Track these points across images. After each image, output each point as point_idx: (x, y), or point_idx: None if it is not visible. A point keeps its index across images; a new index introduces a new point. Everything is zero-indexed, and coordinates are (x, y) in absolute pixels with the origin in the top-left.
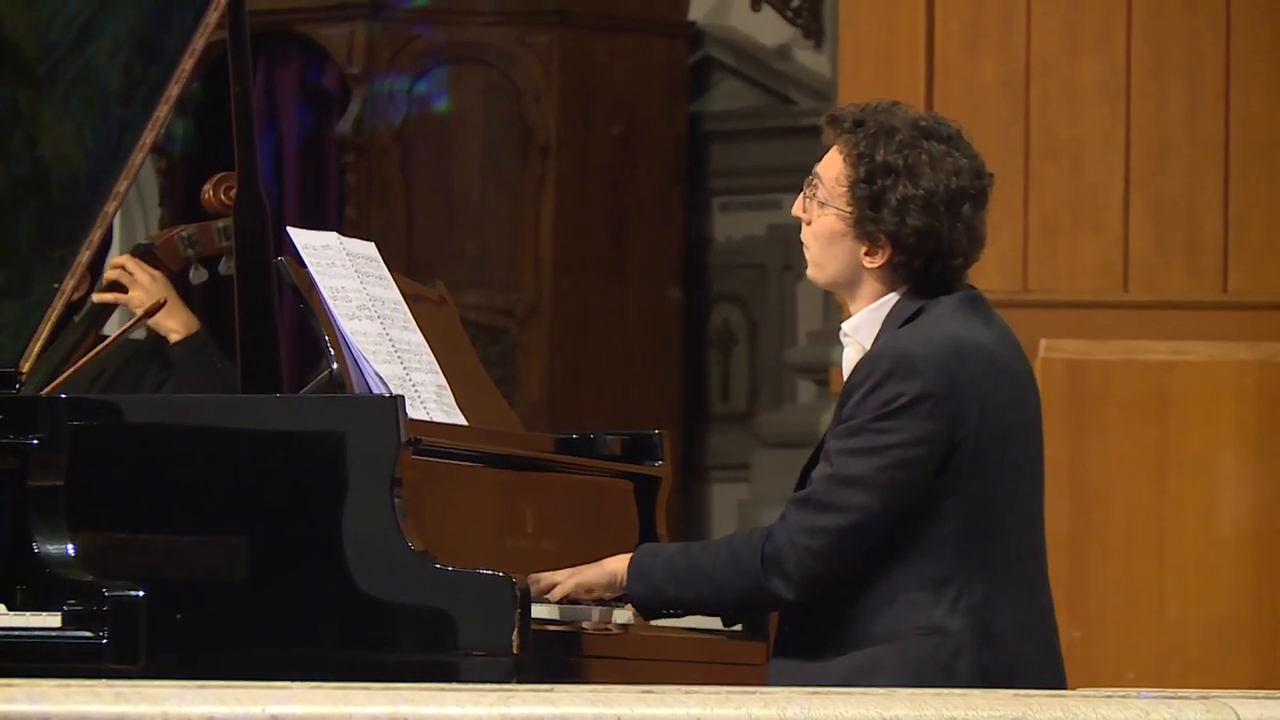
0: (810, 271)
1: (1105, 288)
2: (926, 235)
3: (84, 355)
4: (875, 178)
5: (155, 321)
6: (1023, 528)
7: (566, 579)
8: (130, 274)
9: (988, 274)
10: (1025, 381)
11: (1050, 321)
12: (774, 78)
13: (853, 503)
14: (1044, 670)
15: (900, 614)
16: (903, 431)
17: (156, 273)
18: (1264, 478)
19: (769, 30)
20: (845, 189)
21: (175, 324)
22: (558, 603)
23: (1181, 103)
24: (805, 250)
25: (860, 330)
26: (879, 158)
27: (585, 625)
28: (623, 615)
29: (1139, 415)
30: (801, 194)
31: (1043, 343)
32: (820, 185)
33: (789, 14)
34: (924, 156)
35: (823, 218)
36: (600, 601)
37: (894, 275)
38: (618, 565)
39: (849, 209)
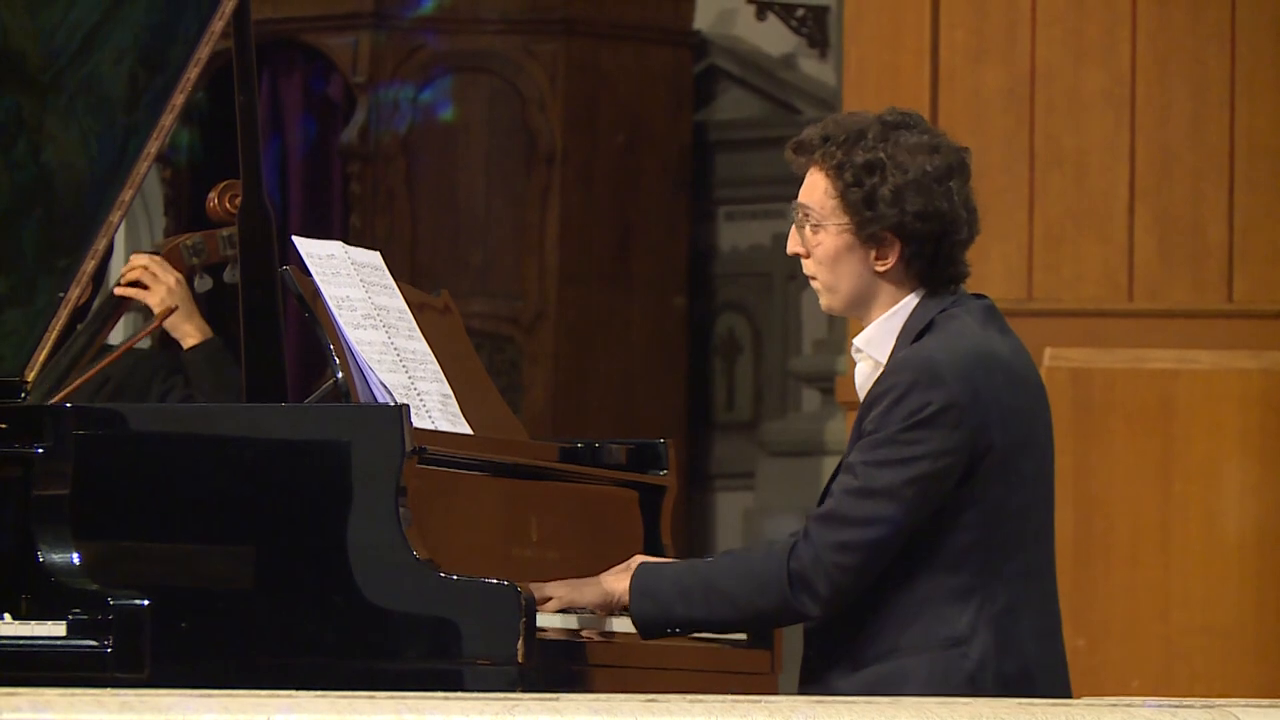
0: (825, 300)
1: (1110, 296)
2: (929, 216)
3: (91, 362)
4: (862, 179)
5: (171, 325)
6: (1039, 537)
7: (561, 593)
8: (154, 274)
9: (992, 282)
10: (1039, 393)
11: (1055, 330)
12: (779, 87)
13: (880, 515)
14: (1056, 678)
15: (925, 627)
16: (930, 442)
17: (179, 275)
18: (1268, 486)
19: (774, 39)
20: (836, 200)
21: (191, 328)
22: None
23: (1186, 112)
24: (814, 282)
25: (873, 344)
26: (859, 159)
27: (590, 634)
28: (628, 623)
29: (1143, 424)
30: (793, 230)
31: (1047, 351)
32: (810, 211)
33: (794, 23)
34: (900, 145)
35: (823, 239)
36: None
37: (907, 273)
38: (615, 584)
39: (847, 219)
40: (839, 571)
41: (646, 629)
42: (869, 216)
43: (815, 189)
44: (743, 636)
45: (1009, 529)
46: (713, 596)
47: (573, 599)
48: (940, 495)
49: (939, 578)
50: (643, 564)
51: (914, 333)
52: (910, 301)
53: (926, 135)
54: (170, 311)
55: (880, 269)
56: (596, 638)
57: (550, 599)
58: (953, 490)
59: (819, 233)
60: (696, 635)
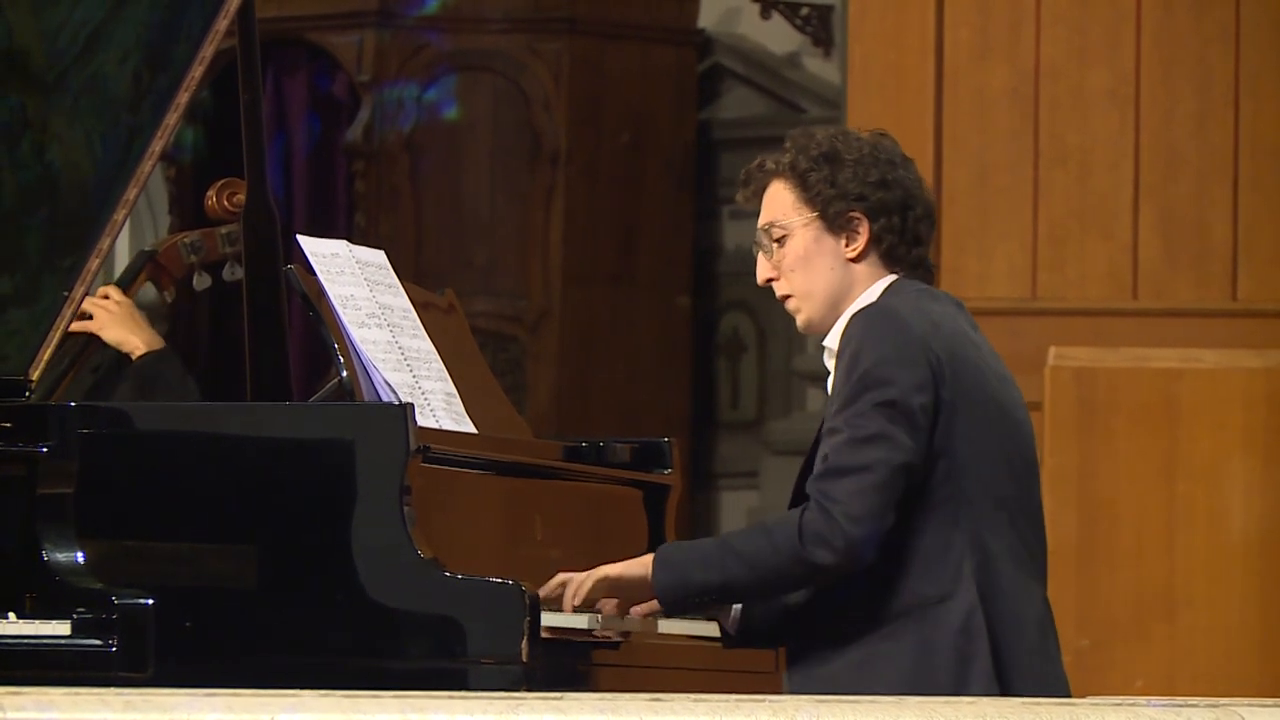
0: (804, 314)
1: (1114, 295)
2: (890, 184)
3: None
4: (820, 165)
5: (119, 340)
6: (1018, 508)
7: (593, 580)
8: (92, 303)
9: (996, 281)
10: (1008, 381)
11: (1059, 329)
12: (783, 86)
13: (876, 458)
14: (1042, 640)
15: (912, 589)
16: (900, 379)
17: (120, 296)
18: (1272, 485)
19: (778, 38)
20: (797, 193)
21: (139, 341)
22: (579, 608)
23: (1190, 110)
24: (789, 302)
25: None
26: (813, 153)
27: (594, 632)
28: (631, 624)
29: (1148, 423)
30: (760, 259)
31: (1052, 350)
32: (773, 223)
33: (798, 22)
34: (849, 138)
35: (791, 244)
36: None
37: (878, 252)
38: (645, 556)
39: (811, 209)
40: (849, 521)
41: (667, 599)
42: (832, 195)
43: (774, 199)
44: None
45: (981, 485)
46: (729, 559)
47: (619, 574)
48: (926, 432)
49: (919, 540)
50: (668, 542)
51: None
52: (877, 289)
53: (868, 135)
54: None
55: (851, 254)
56: (600, 637)
57: (599, 581)
58: (932, 434)
59: (786, 240)
60: (699, 634)
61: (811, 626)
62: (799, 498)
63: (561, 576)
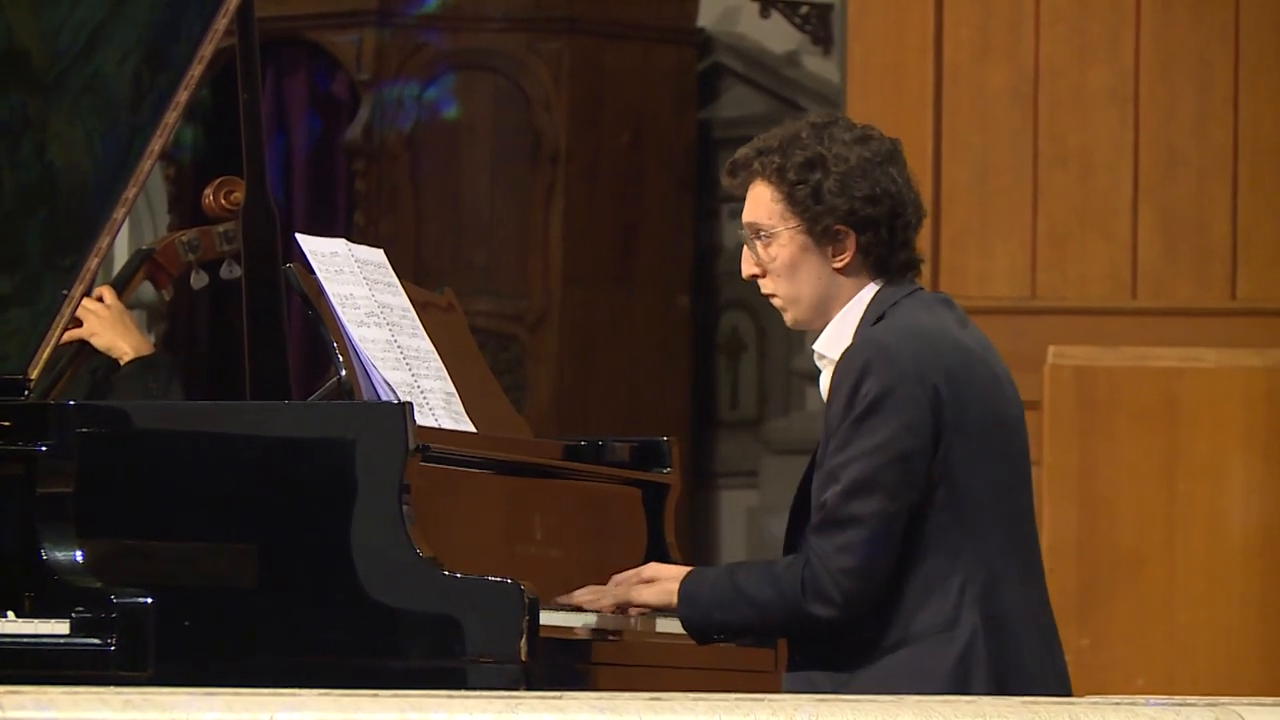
0: (790, 314)
1: (1114, 295)
2: (878, 198)
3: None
4: (806, 176)
5: (108, 346)
6: (1015, 517)
7: (623, 590)
8: (84, 308)
9: (997, 280)
10: (1002, 378)
11: (1059, 328)
12: (783, 84)
13: (870, 509)
14: (1046, 653)
15: (912, 619)
16: (893, 423)
17: (112, 302)
18: (1272, 484)
19: (778, 37)
20: (784, 204)
21: (127, 346)
22: (602, 608)
23: (1190, 110)
24: (774, 300)
25: (832, 344)
26: (798, 159)
27: (593, 632)
28: (627, 623)
29: (1148, 422)
30: (745, 253)
31: (1051, 350)
32: (759, 225)
33: (798, 21)
34: (835, 139)
35: (777, 250)
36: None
37: (865, 264)
38: (672, 585)
39: (798, 220)
40: (844, 575)
41: (694, 634)
42: (819, 210)
43: (760, 201)
44: None
45: (981, 509)
46: (741, 603)
47: (629, 598)
48: (922, 473)
49: (919, 568)
50: (691, 570)
51: (870, 322)
52: (866, 294)
53: (858, 128)
54: (78, 335)
55: (838, 264)
56: (598, 636)
57: (599, 599)
58: (928, 470)
59: (772, 244)
60: None
61: (810, 657)
62: (797, 511)
63: (618, 576)
